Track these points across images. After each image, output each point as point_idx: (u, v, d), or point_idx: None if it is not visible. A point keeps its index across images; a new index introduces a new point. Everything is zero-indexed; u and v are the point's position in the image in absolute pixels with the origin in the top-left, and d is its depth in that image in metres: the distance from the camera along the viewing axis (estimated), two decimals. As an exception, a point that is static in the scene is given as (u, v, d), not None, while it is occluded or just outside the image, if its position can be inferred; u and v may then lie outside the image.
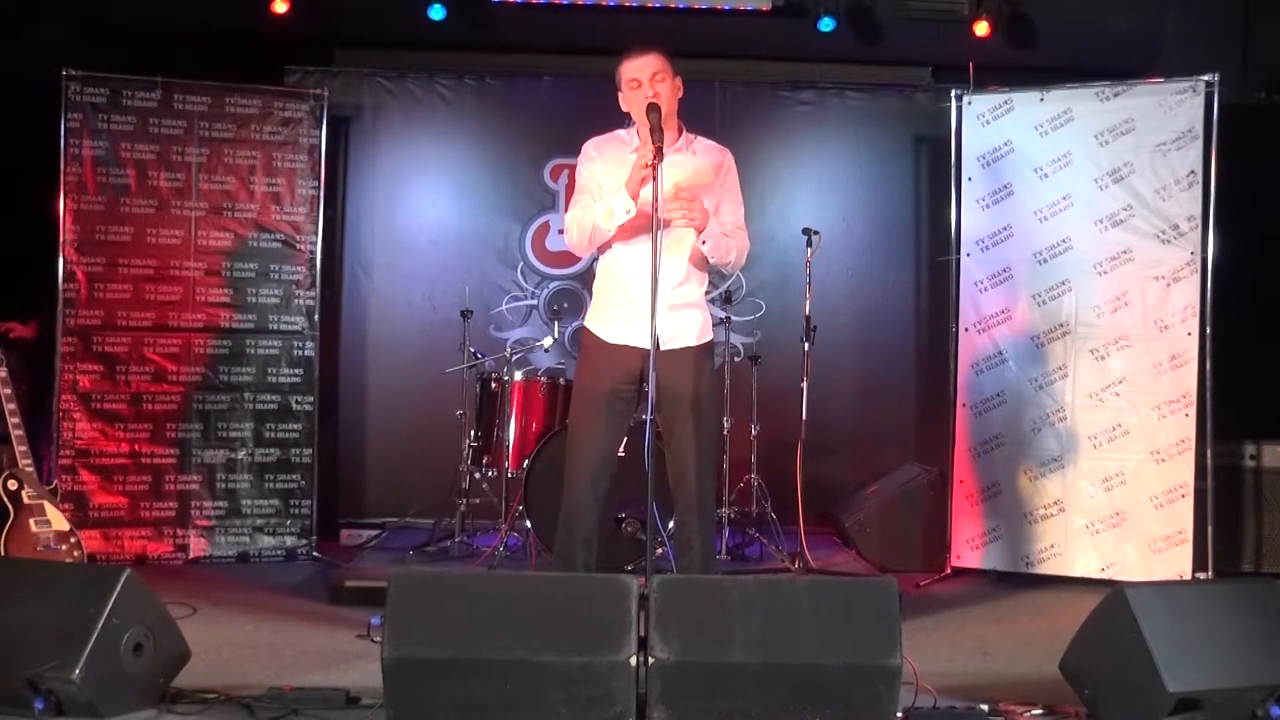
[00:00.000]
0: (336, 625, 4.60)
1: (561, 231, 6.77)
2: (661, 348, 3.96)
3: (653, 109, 3.95)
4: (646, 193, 3.91)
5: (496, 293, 6.95)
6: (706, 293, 4.32)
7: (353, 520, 6.65)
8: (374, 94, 6.96)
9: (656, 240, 3.80)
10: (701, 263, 4.18)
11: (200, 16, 6.35)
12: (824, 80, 7.08)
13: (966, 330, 5.92)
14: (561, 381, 5.79)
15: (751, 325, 6.92)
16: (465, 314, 6.04)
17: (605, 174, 4.17)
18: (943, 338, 6.05)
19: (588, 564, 4.12)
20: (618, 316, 4.16)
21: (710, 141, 4.30)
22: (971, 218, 5.92)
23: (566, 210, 4.31)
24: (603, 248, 4.20)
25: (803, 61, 7.07)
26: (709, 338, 4.25)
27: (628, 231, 4.08)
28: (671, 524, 4.39)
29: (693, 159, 4.19)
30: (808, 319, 5.69)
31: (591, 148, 4.25)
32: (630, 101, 4.12)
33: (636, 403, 4.20)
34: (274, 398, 6.13)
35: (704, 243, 4.07)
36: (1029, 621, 5.03)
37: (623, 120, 4.28)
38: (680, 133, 4.20)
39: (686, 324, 4.16)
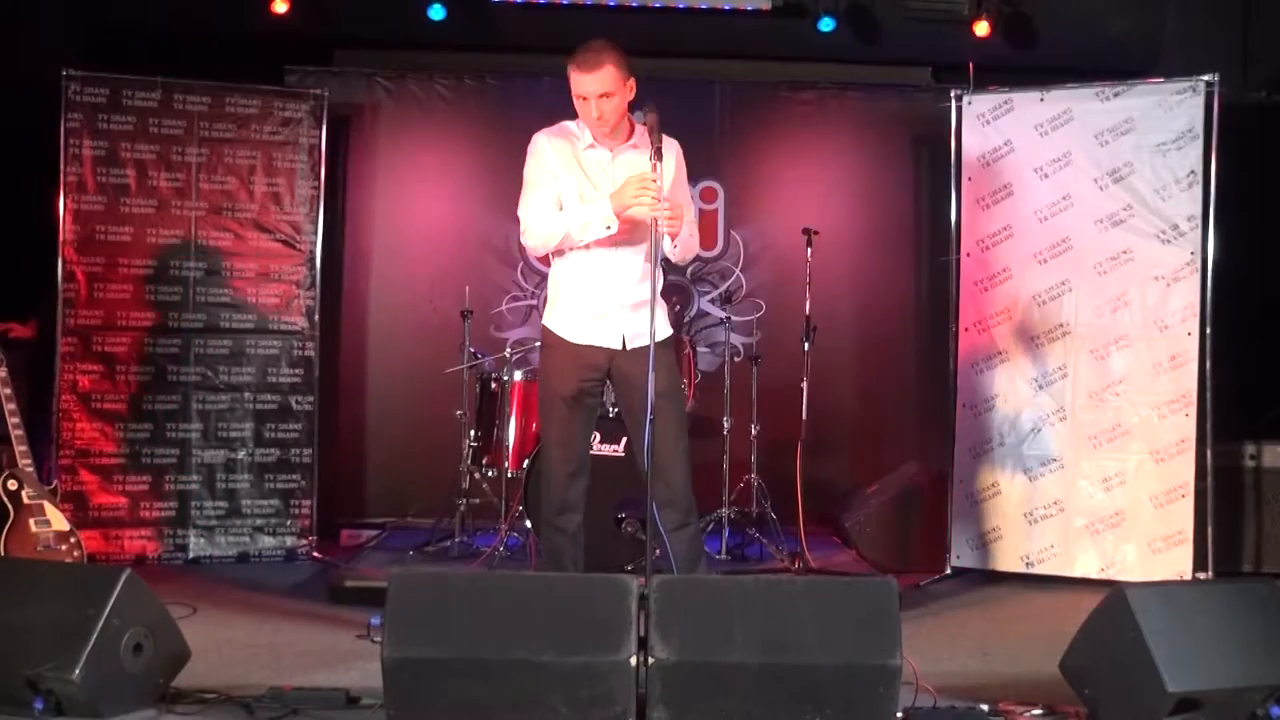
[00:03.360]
0: (336, 625, 4.61)
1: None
2: (627, 346, 4.05)
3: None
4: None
5: (496, 293, 6.95)
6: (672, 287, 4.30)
7: (353, 520, 6.65)
8: (374, 94, 6.96)
9: (655, 241, 3.84)
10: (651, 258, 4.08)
11: (200, 16, 6.34)
12: (824, 80, 7.08)
13: (966, 330, 5.91)
14: (561, 381, 5.78)
15: (751, 325, 6.92)
16: (465, 314, 6.03)
17: (561, 169, 4.08)
18: (943, 338, 6.04)
19: (576, 561, 4.14)
20: (582, 316, 4.13)
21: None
22: (971, 218, 5.92)
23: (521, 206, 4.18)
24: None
25: (803, 61, 7.06)
26: (670, 332, 4.25)
27: None
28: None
29: (643, 156, 4.02)
30: (808, 319, 5.70)
31: (544, 142, 4.14)
32: (579, 111, 4.06)
33: (603, 394, 4.24)
34: (274, 398, 6.13)
35: (675, 247, 4.07)
36: (1029, 621, 5.03)
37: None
38: (632, 129, 4.13)
39: (648, 321, 4.09)
